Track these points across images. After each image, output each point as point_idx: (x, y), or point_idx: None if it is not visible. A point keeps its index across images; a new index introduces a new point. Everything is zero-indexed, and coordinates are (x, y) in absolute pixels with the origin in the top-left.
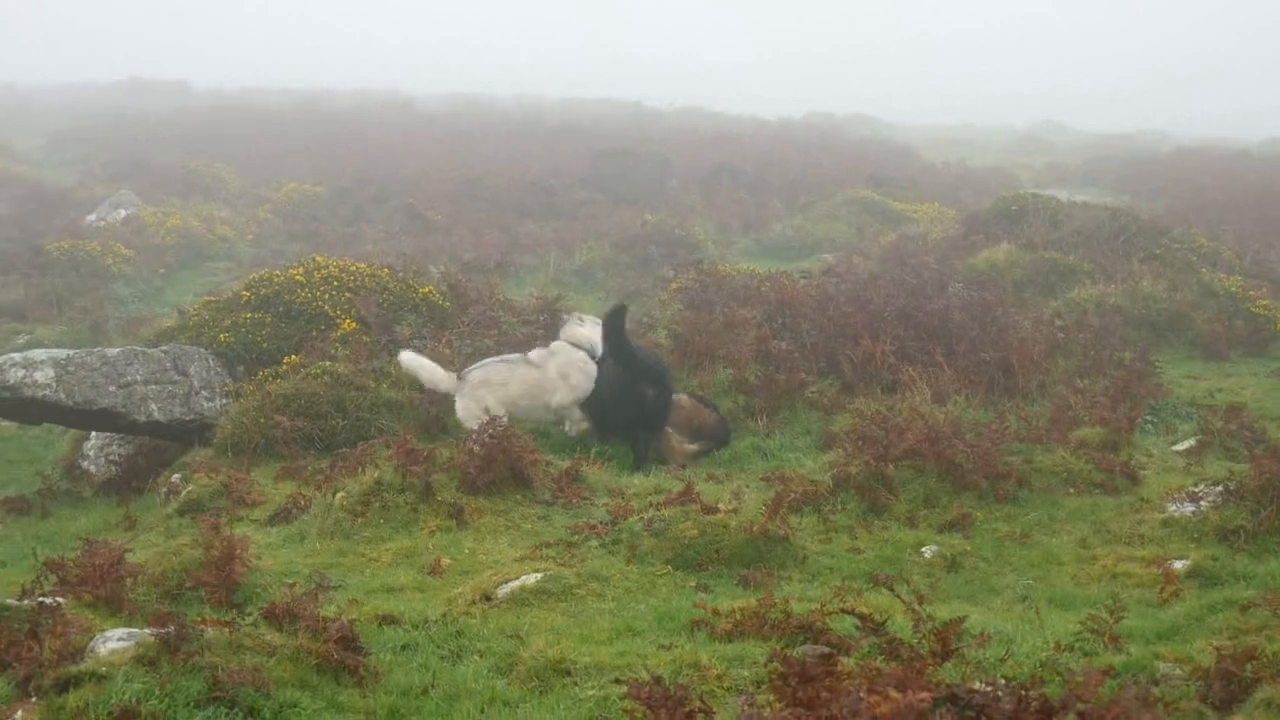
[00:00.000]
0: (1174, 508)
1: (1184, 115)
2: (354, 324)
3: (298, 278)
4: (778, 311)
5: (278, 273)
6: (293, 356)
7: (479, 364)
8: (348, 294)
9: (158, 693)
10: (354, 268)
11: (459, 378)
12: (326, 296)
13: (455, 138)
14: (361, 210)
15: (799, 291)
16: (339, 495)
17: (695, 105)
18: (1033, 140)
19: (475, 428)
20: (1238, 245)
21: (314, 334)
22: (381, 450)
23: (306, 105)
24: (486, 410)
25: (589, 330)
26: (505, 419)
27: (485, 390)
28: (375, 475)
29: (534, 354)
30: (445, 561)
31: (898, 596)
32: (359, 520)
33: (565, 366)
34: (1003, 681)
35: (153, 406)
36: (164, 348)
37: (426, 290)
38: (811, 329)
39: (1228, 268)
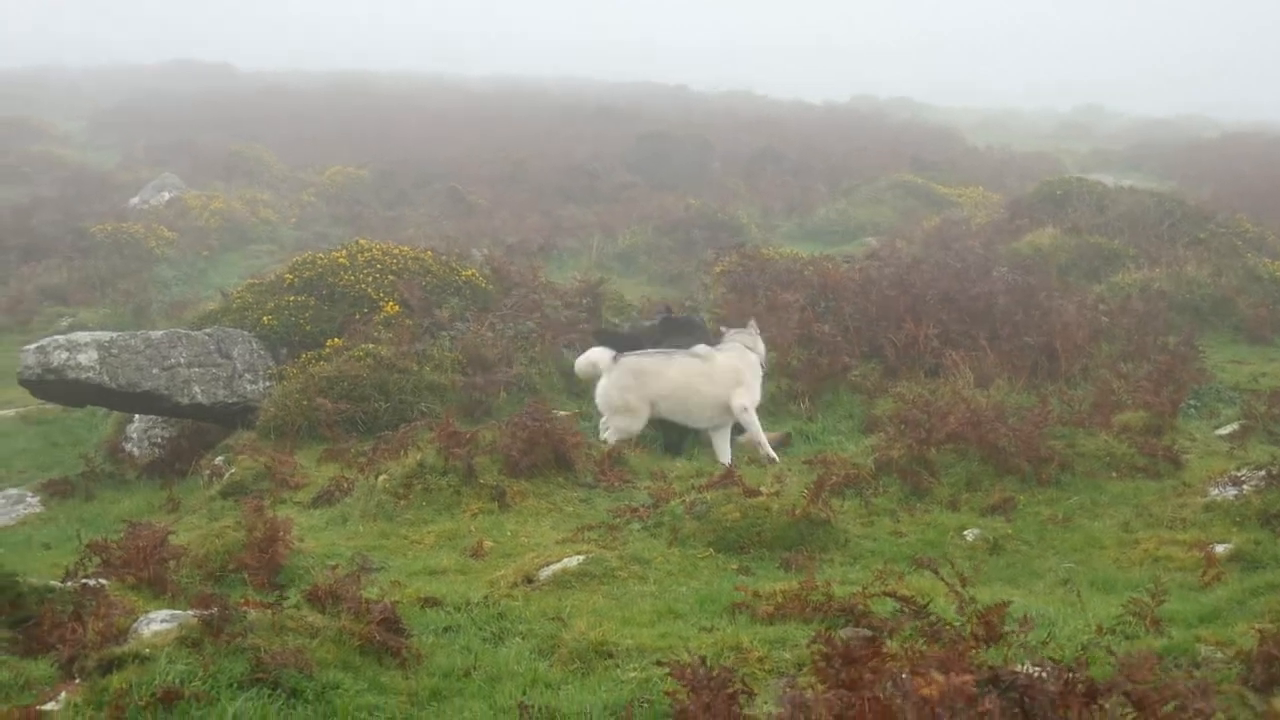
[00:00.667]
0: (1216, 492)
1: (1230, 101)
2: (397, 307)
3: (341, 260)
4: (820, 295)
5: (321, 255)
6: (336, 339)
7: (638, 352)
8: (390, 277)
9: (201, 674)
10: (397, 251)
11: (613, 359)
12: (369, 279)
13: (497, 121)
14: (404, 194)
15: (842, 275)
16: (381, 478)
17: (739, 89)
18: (1076, 125)
19: (612, 411)
20: None
21: (357, 317)
22: (424, 433)
23: (349, 88)
24: (629, 402)
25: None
26: (647, 413)
27: (634, 378)
28: (418, 458)
29: (699, 349)
30: (487, 544)
31: (941, 579)
32: (401, 503)
33: (737, 362)
34: (1049, 663)
35: (196, 389)
36: (207, 330)
37: (469, 273)
38: (854, 313)
39: (1272, 253)
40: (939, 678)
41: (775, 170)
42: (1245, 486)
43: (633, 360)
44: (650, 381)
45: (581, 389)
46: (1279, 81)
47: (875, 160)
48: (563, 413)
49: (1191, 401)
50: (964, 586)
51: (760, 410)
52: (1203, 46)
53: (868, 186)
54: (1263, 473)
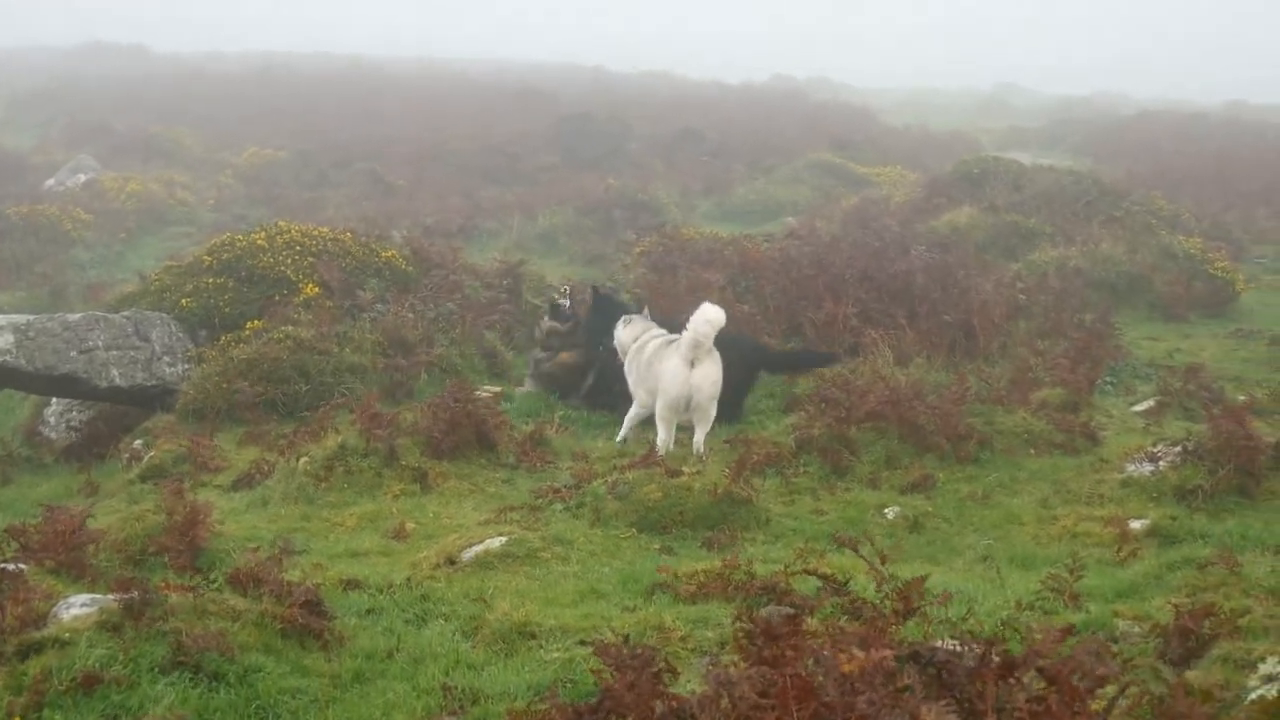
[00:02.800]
0: (1133, 468)
1: (1146, 78)
2: (317, 288)
3: (260, 242)
4: (741, 275)
5: (239, 237)
6: (255, 321)
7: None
8: (310, 258)
9: (121, 658)
10: (316, 232)
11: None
12: (289, 261)
13: (418, 103)
14: (324, 175)
15: (762, 255)
16: (302, 460)
17: (657, 70)
18: (994, 104)
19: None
20: (1197, 208)
21: (276, 299)
22: (345, 415)
23: (267, 70)
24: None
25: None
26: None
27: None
28: (339, 440)
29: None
30: (410, 526)
31: (861, 556)
32: (323, 485)
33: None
34: (967, 638)
35: (114, 372)
36: (125, 313)
37: (389, 254)
38: (774, 292)
39: (1187, 230)
40: (859, 654)
41: (694, 150)
42: (1161, 462)
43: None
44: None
45: (501, 369)
46: (1193, 59)
47: (794, 140)
48: (486, 392)
49: (1108, 378)
50: (884, 564)
51: None
52: (1120, 27)
53: (786, 166)
54: (1178, 448)
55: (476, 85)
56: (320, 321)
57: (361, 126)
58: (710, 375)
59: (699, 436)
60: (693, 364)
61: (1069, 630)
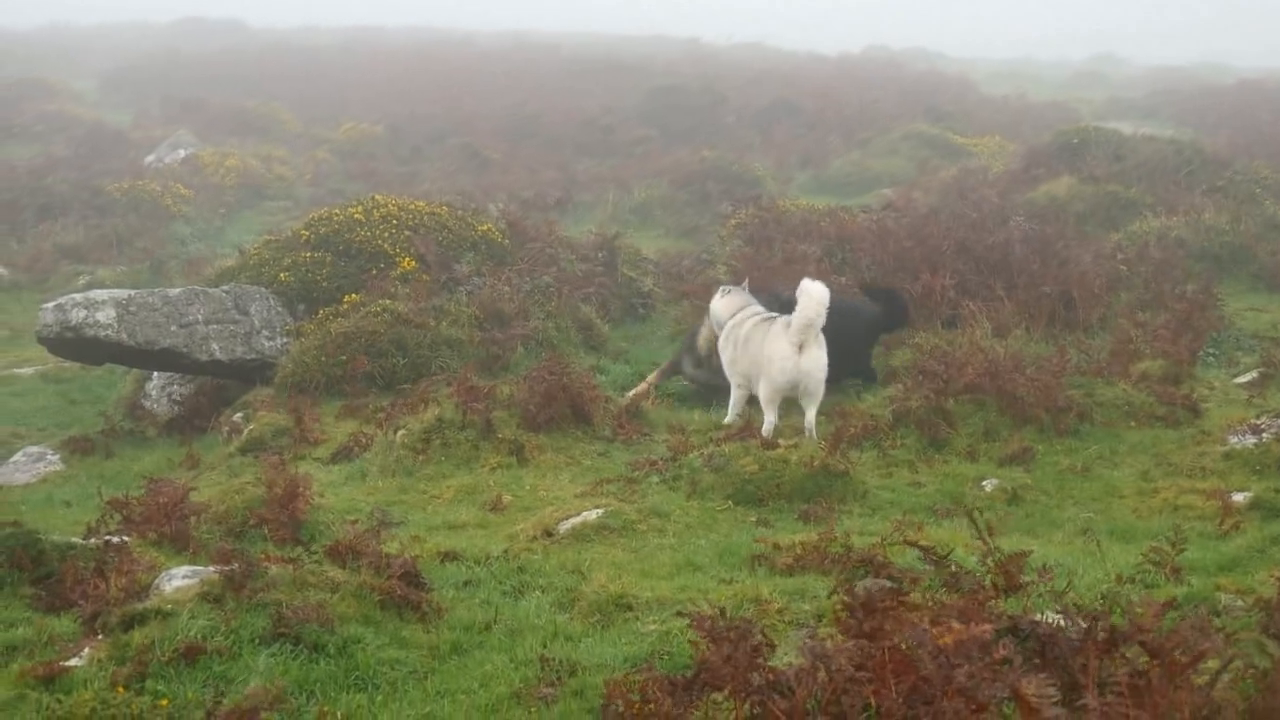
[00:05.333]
0: (1235, 440)
1: (1246, 47)
2: (413, 262)
3: (357, 216)
4: (837, 247)
5: (337, 211)
6: (353, 295)
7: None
8: (406, 232)
9: (223, 629)
10: (412, 206)
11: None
12: (385, 235)
13: (512, 76)
14: (419, 149)
15: (858, 227)
16: (400, 433)
17: (751, 41)
18: (1091, 74)
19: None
20: None
21: (373, 272)
22: (442, 388)
23: (362, 44)
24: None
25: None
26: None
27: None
28: (436, 413)
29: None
30: (506, 498)
31: (973, 525)
32: (420, 458)
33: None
34: (1071, 611)
35: (214, 346)
36: (225, 287)
37: (485, 228)
38: (871, 264)
39: None
40: (958, 627)
41: (789, 122)
42: (1265, 434)
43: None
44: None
45: (597, 342)
46: None
47: (890, 111)
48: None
49: (1210, 350)
50: (990, 536)
51: None
52: None
53: (883, 138)
54: None
55: (568, 58)
56: (417, 295)
57: (454, 100)
58: (819, 360)
59: (810, 417)
60: (801, 347)
61: (1170, 604)
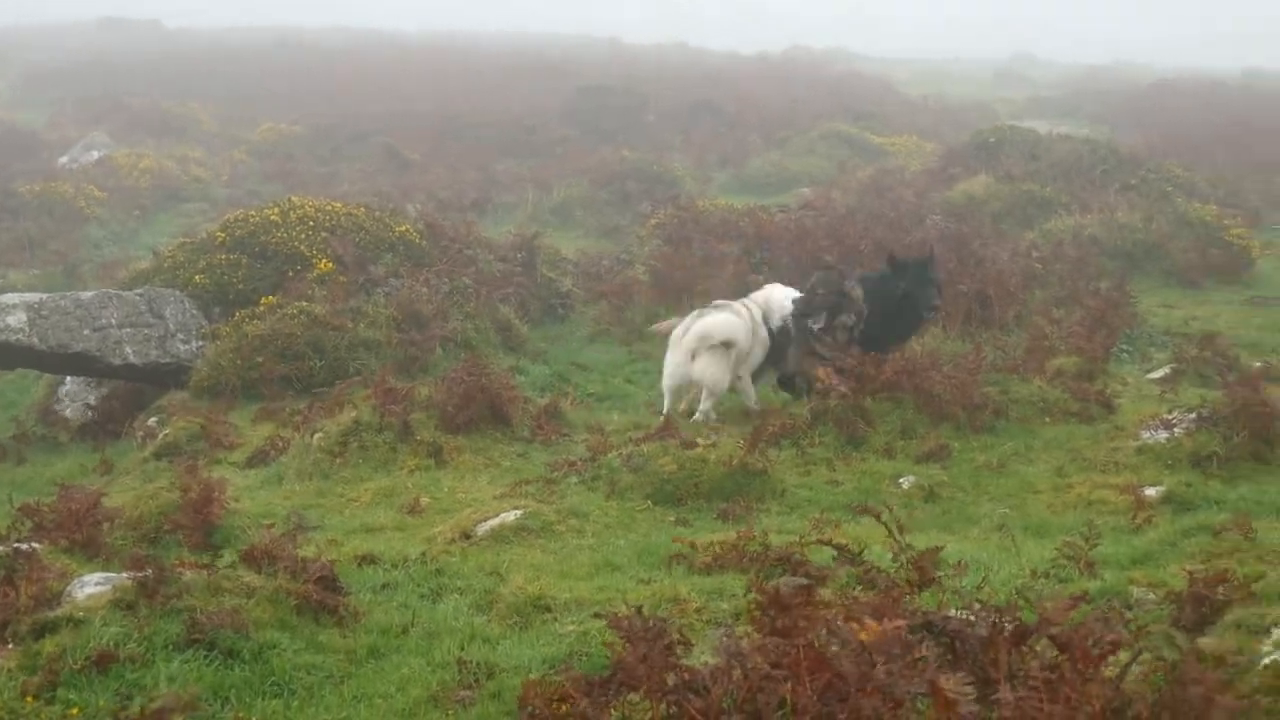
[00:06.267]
0: (1148, 435)
1: (1163, 47)
2: (330, 264)
3: (273, 218)
4: (755, 246)
5: (253, 213)
6: (269, 298)
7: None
8: (324, 234)
9: (136, 636)
10: (330, 207)
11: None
12: (303, 236)
13: (432, 76)
14: (338, 150)
15: (776, 226)
16: (317, 436)
17: (673, 41)
18: (1011, 74)
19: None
20: (1213, 176)
21: (290, 274)
22: (359, 390)
23: (281, 44)
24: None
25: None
26: None
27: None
28: (353, 415)
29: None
30: (424, 500)
31: (883, 524)
32: (337, 461)
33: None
34: (978, 607)
35: (128, 350)
36: (139, 291)
37: (403, 229)
38: (789, 263)
39: (1203, 198)
40: (873, 624)
41: (710, 122)
42: (1177, 429)
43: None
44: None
45: (516, 343)
46: (1210, 28)
47: (810, 111)
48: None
49: (1124, 346)
50: (901, 534)
51: None
52: None
53: (802, 137)
54: (1193, 415)
55: (492, 58)
56: (334, 297)
57: (377, 101)
58: (704, 369)
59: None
60: (694, 355)
61: (1081, 598)
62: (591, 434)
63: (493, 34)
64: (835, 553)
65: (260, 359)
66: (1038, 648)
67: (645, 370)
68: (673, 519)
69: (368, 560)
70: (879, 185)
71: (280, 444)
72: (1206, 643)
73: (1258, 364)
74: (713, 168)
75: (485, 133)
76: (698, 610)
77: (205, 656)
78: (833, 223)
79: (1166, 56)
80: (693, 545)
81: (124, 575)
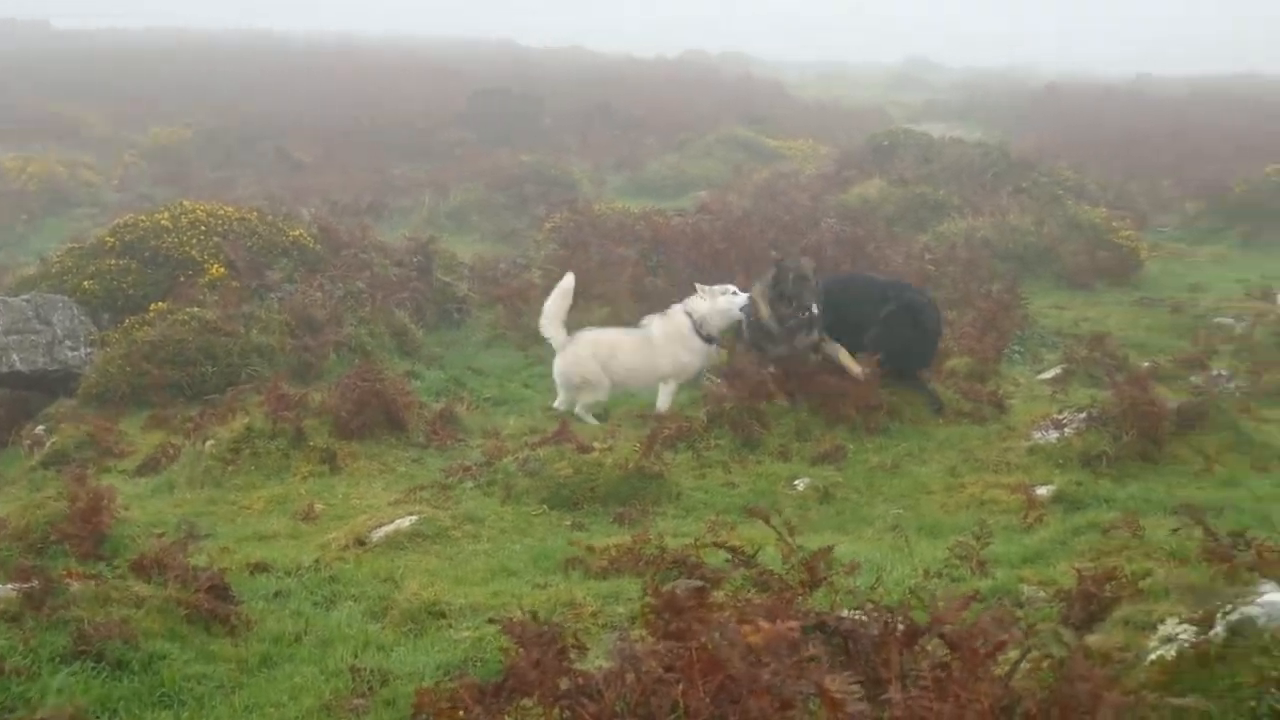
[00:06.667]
0: (1039, 435)
1: (1054, 52)
2: (223, 269)
3: (164, 223)
4: (653, 249)
5: (143, 218)
6: (160, 303)
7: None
8: (216, 238)
9: (21, 648)
10: (222, 212)
11: (568, 336)
12: (194, 241)
13: (328, 78)
14: (231, 153)
15: (674, 229)
16: (209, 443)
17: (570, 44)
18: (907, 77)
19: (570, 385)
20: (1103, 179)
21: (182, 280)
22: (252, 397)
23: (174, 46)
24: (585, 375)
25: (709, 304)
26: (607, 385)
27: (589, 351)
28: (246, 422)
29: (646, 319)
30: (318, 507)
31: (772, 527)
32: (229, 468)
33: (668, 331)
34: (870, 607)
35: (14, 357)
36: (25, 296)
37: (297, 233)
38: (686, 266)
39: (1093, 200)
40: (765, 625)
41: (607, 125)
42: (1067, 429)
43: (590, 335)
44: (604, 354)
45: (411, 348)
46: (1101, 32)
47: (707, 115)
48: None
49: (1015, 347)
50: (792, 535)
51: None
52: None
53: (699, 141)
54: (1083, 415)
55: (386, 61)
56: (226, 302)
57: (271, 103)
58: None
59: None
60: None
61: (972, 597)
62: (487, 439)
63: (386, 37)
64: (730, 555)
65: (151, 366)
66: (929, 647)
67: (542, 374)
68: (569, 523)
69: (260, 568)
70: (775, 188)
71: (171, 451)
72: (1094, 640)
73: (1146, 364)
74: (610, 171)
75: (381, 136)
76: (593, 614)
77: (93, 668)
78: (729, 226)
79: (1053, 61)
80: (589, 549)
81: (9, 586)
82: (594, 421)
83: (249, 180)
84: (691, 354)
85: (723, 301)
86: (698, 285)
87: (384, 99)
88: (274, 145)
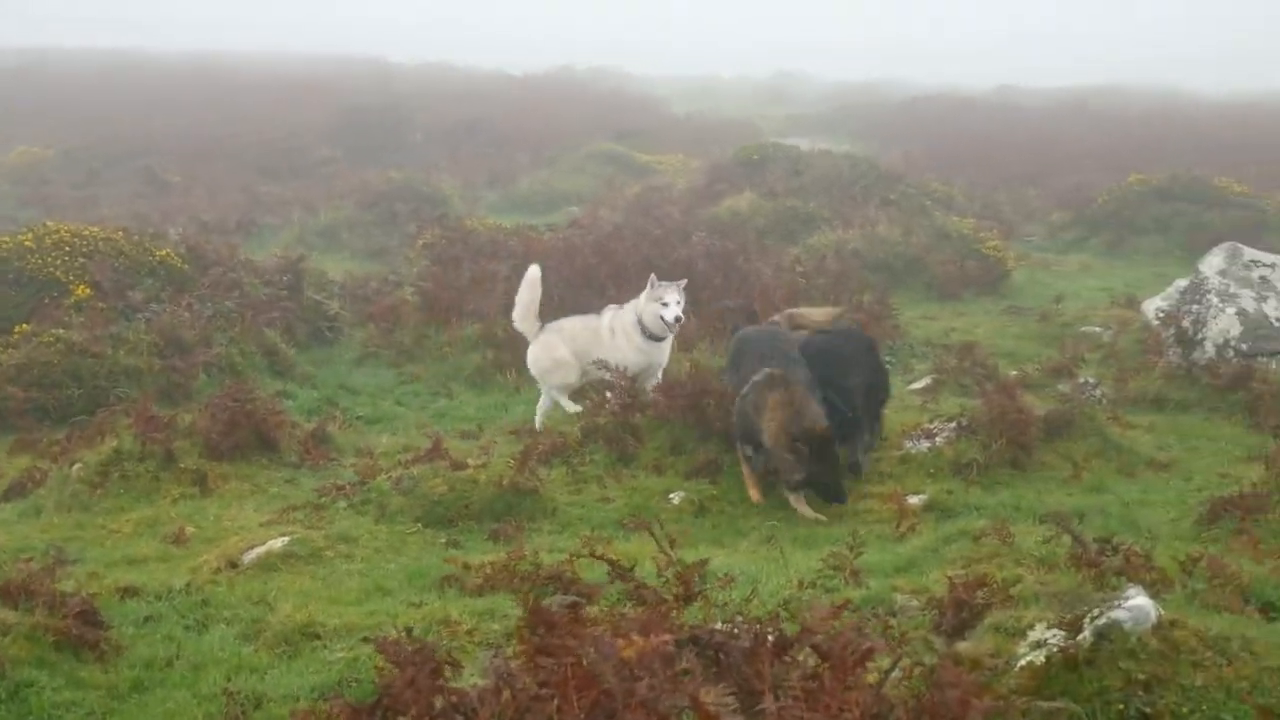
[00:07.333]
0: (910, 445)
1: (921, 64)
2: (88, 290)
3: (27, 243)
4: (525, 265)
5: (5, 238)
6: (24, 325)
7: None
8: (81, 259)
9: None
10: (87, 232)
11: (540, 327)
12: (59, 262)
13: (193, 97)
14: (95, 173)
15: (545, 245)
16: (76, 467)
17: (438, 61)
18: (775, 91)
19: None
20: (969, 190)
21: (46, 301)
22: (121, 419)
23: (34, 65)
24: (555, 360)
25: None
26: (578, 368)
27: (557, 337)
28: (114, 445)
29: (606, 309)
30: (189, 530)
31: (653, 537)
32: (98, 491)
33: (614, 324)
34: (741, 620)
35: None
36: None
37: (164, 253)
38: (559, 282)
39: (960, 211)
40: (639, 639)
41: (478, 142)
42: (938, 439)
43: (554, 324)
44: (568, 339)
45: (283, 367)
46: (965, 45)
47: (578, 130)
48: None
49: (886, 358)
50: (672, 547)
51: (465, 381)
52: (897, 12)
53: (570, 156)
54: (953, 424)
55: (253, 79)
56: (93, 324)
57: (135, 123)
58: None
59: None
60: None
61: (842, 606)
62: (361, 457)
63: (254, 54)
64: (606, 569)
65: (15, 389)
66: (800, 657)
67: (415, 392)
68: (444, 541)
69: (130, 592)
70: (646, 203)
71: (38, 475)
72: (965, 646)
73: (1014, 372)
74: (482, 187)
75: (249, 154)
76: (469, 632)
77: None
78: (600, 240)
79: (919, 74)
80: (464, 566)
81: None
82: (573, 407)
83: (114, 200)
84: (636, 351)
85: (650, 306)
86: (651, 281)
87: (252, 117)
88: (140, 165)
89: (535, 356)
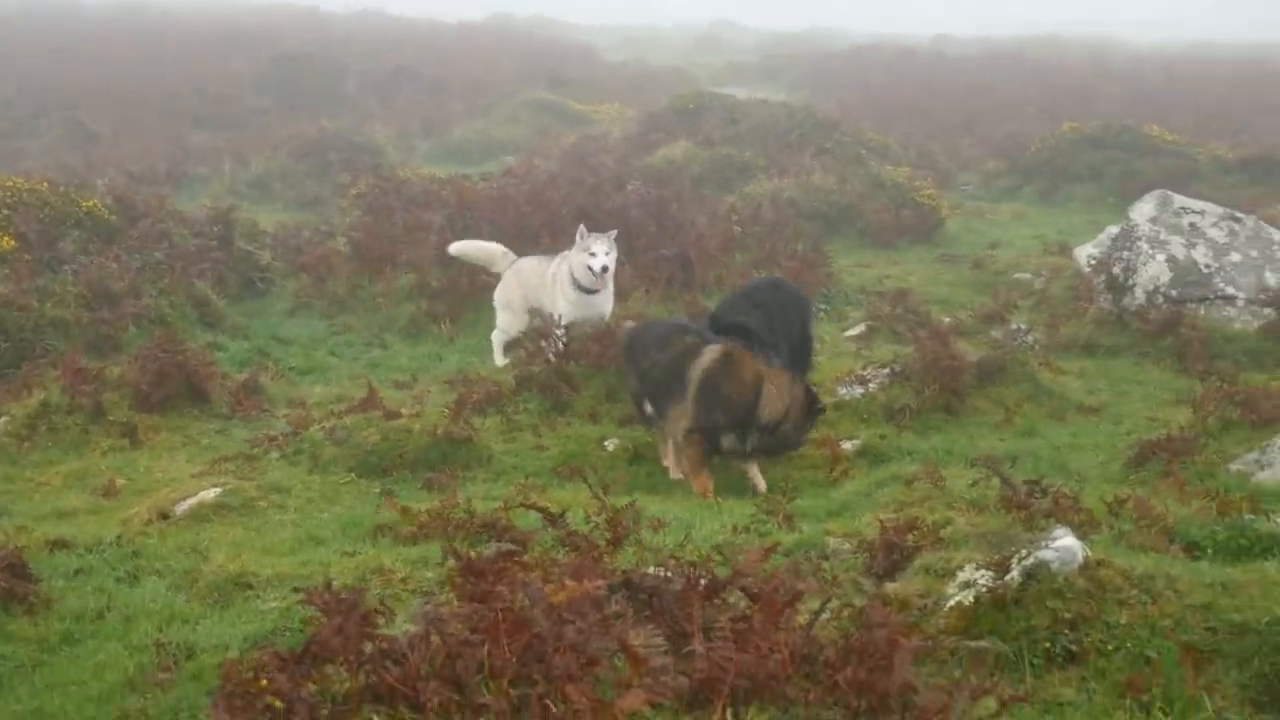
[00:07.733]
0: (844, 390)
1: (860, 12)
2: (13, 242)
3: None
4: (458, 215)
5: None
6: None
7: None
8: (5, 210)
9: None
10: (9, 183)
11: (511, 263)
12: None
13: (121, 46)
14: (20, 124)
15: (479, 194)
16: (2, 420)
17: (372, 8)
18: (712, 39)
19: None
20: (905, 139)
21: None
22: (48, 372)
23: None
24: (506, 299)
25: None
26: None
27: (515, 277)
28: (42, 398)
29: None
30: (119, 482)
31: (587, 484)
32: (25, 445)
33: (555, 272)
34: (674, 564)
35: None
36: None
37: (91, 204)
38: (492, 231)
39: (895, 160)
40: (571, 584)
41: (412, 90)
42: (871, 384)
43: (518, 263)
44: (525, 280)
45: (214, 319)
46: None
47: (513, 79)
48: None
49: (821, 305)
50: (606, 494)
51: (398, 331)
52: None
53: (505, 105)
54: (886, 370)
55: (181, 26)
56: (18, 276)
57: (61, 73)
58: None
59: None
60: None
61: (771, 549)
62: (293, 408)
63: (182, 1)
64: (539, 516)
65: None
66: (731, 599)
67: (348, 343)
68: (377, 490)
69: (59, 545)
70: (581, 152)
71: None
72: (895, 587)
73: (947, 319)
74: (416, 137)
75: (177, 104)
76: (403, 580)
77: None
78: (535, 190)
79: (857, 23)
80: (400, 514)
81: None
82: (502, 360)
83: (41, 152)
84: (567, 302)
85: (578, 257)
86: (581, 232)
87: (181, 66)
88: (65, 115)
89: (497, 293)
